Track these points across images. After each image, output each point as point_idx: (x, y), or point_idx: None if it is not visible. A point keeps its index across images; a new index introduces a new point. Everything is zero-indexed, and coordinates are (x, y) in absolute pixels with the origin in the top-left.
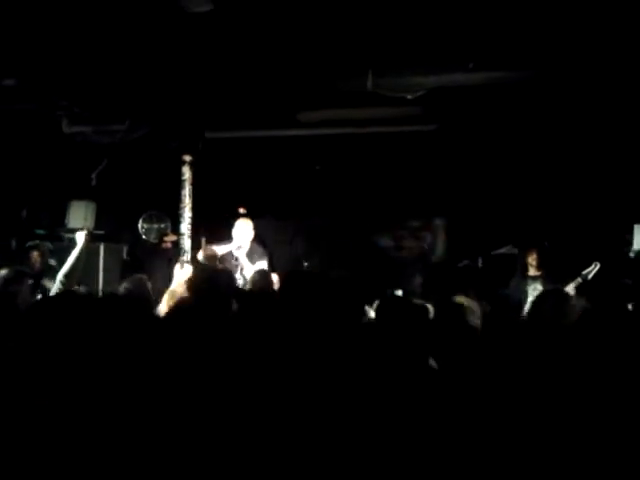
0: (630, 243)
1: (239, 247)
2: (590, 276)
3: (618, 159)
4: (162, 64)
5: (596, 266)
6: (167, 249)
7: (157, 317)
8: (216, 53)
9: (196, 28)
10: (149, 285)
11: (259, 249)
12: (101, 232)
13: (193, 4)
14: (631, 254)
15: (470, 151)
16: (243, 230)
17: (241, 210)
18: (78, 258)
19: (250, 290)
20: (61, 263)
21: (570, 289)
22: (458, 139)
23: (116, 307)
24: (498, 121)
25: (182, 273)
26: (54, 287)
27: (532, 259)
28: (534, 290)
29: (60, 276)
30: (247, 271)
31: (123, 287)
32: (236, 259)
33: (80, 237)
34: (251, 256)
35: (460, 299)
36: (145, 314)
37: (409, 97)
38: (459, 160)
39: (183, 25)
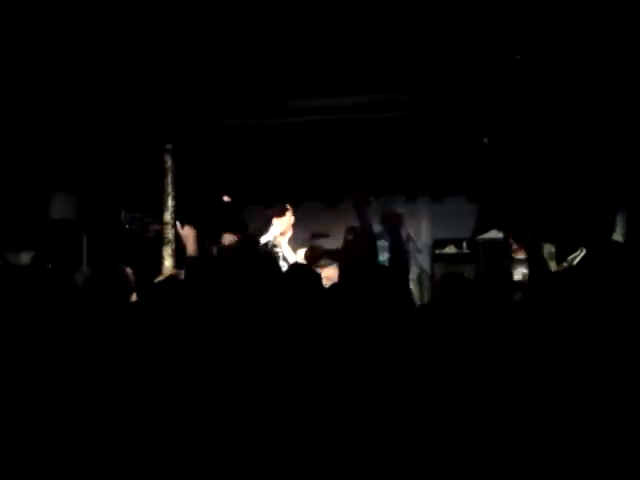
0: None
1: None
2: (576, 261)
3: (604, 146)
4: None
5: (582, 251)
6: (151, 238)
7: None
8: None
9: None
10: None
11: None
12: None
13: None
14: (614, 237)
15: (455, 134)
16: (288, 218)
17: (225, 198)
18: None
19: None
20: None
21: None
22: (443, 122)
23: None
24: (485, 106)
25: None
26: None
27: (522, 252)
28: (518, 274)
29: None
30: (291, 259)
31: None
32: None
33: None
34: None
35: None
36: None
37: None
38: (444, 144)
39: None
